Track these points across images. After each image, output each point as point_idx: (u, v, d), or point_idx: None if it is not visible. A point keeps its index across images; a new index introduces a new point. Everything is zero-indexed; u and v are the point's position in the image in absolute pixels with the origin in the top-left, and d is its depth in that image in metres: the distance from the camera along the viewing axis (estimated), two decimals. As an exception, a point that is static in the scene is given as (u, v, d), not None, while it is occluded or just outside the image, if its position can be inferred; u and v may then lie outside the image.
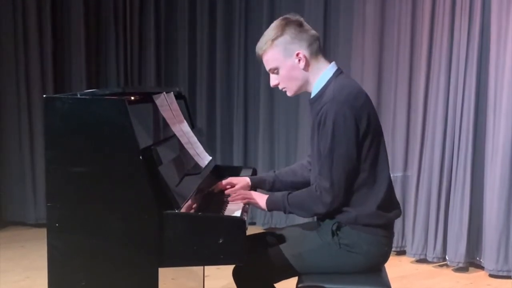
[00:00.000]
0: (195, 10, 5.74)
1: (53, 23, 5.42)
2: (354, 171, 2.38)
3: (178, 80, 5.81)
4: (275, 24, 2.48)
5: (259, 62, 2.56)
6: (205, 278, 3.55)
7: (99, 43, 5.67)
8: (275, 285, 2.63)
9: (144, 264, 2.13)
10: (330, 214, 2.46)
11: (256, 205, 2.60)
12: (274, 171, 2.88)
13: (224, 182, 2.77)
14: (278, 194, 2.56)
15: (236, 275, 2.56)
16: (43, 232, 2.21)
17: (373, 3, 4.85)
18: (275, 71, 2.50)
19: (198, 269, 3.39)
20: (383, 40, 4.87)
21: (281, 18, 2.50)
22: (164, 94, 2.50)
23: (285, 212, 2.51)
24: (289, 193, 2.50)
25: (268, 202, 2.54)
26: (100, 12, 5.64)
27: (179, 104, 2.71)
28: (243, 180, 2.79)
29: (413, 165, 4.72)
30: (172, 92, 2.65)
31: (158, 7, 5.77)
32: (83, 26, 5.48)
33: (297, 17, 2.49)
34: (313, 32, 2.49)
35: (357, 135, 2.34)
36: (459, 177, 4.49)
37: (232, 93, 5.73)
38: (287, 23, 2.45)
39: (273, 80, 2.53)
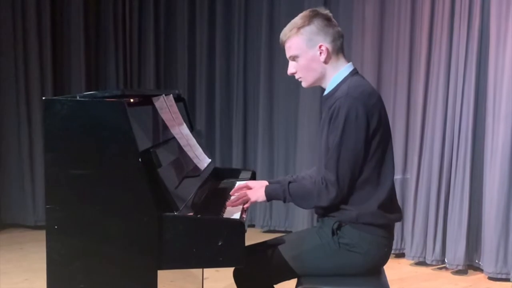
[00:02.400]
0: (194, 13, 5.75)
1: (53, 25, 5.42)
2: (360, 168, 2.39)
3: (178, 82, 5.81)
4: (303, 14, 2.50)
5: (281, 48, 2.56)
6: (204, 281, 3.55)
7: (99, 45, 5.68)
8: (275, 286, 2.63)
9: (143, 267, 2.13)
10: (330, 212, 2.47)
11: (257, 201, 2.58)
12: (292, 175, 2.87)
13: (242, 185, 2.76)
14: (277, 184, 2.57)
15: (236, 276, 2.57)
16: (42, 234, 2.21)
17: (372, 6, 4.85)
18: (295, 58, 2.51)
19: (197, 271, 3.39)
20: (382, 43, 4.88)
21: (310, 9, 2.52)
22: (163, 97, 2.50)
23: (284, 201, 2.49)
24: (290, 182, 2.50)
25: (267, 192, 2.53)
26: (99, 14, 5.65)
27: (178, 106, 2.71)
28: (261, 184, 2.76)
29: (412, 168, 4.72)
30: (171, 95, 2.65)
31: (157, 9, 5.77)
32: (83, 29, 5.48)
33: (327, 11, 2.51)
34: (339, 29, 2.51)
35: (367, 132, 2.36)
36: (458, 180, 4.49)
37: (231, 95, 5.73)
38: (315, 15, 2.47)
39: (291, 68, 2.53)
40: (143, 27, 5.76)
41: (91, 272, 2.17)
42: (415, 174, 4.67)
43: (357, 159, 2.36)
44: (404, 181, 4.80)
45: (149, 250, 2.10)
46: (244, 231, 2.13)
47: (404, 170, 4.81)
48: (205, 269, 3.45)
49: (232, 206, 2.54)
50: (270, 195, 2.53)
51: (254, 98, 5.65)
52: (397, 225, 4.67)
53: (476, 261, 4.54)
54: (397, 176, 4.75)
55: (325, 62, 2.48)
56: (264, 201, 2.57)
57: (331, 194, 2.37)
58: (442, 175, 4.57)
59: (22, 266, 4.42)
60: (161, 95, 2.50)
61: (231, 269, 2.54)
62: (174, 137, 2.57)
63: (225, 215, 2.45)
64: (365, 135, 2.35)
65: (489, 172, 4.35)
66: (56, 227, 2.15)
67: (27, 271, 4.28)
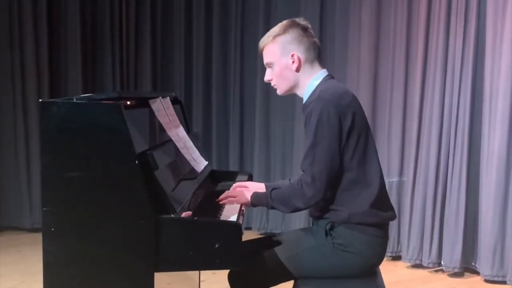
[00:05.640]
0: (191, 15, 5.76)
1: (49, 28, 5.42)
2: (337, 169, 2.41)
3: (174, 84, 5.82)
4: (281, 23, 2.57)
5: (260, 55, 2.63)
6: (200, 283, 3.55)
7: (95, 47, 5.68)
8: (271, 289, 2.64)
9: (140, 269, 2.13)
10: (322, 213, 2.49)
11: (242, 203, 2.61)
12: (289, 179, 2.89)
13: (241, 184, 2.79)
14: (263, 192, 2.60)
15: (231, 279, 2.57)
16: (38, 236, 2.21)
17: (368, 9, 4.86)
18: (270, 65, 2.58)
19: (193, 274, 3.39)
20: (378, 46, 4.89)
21: (289, 19, 2.58)
22: (160, 99, 2.51)
23: (268, 208, 2.54)
24: (273, 188, 2.54)
25: (252, 197, 2.57)
26: (96, 16, 5.65)
27: (175, 108, 2.71)
28: (258, 186, 2.78)
29: (408, 170, 4.73)
30: (168, 97, 2.65)
31: (154, 12, 5.78)
32: (79, 31, 5.49)
33: (305, 22, 2.57)
34: (315, 40, 2.56)
35: (340, 133, 2.39)
36: (454, 182, 4.50)
37: (228, 97, 5.74)
38: (292, 24, 2.54)
39: (268, 75, 2.61)
40: (140, 30, 5.77)
41: (87, 275, 2.17)
42: (412, 177, 4.68)
43: (332, 159, 2.39)
44: (400, 184, 4.81)
45: (146, 253, 2.10)
46: (241, 234, 2.13)
47: (401, 173, 4.81)
48: (202, 272, 3.45)
49: (219, 201, 2.60)
50: (255, 201, 2.57)
51: (250, 100, 5.65)
52: (394, 228, 4.69)
53: (473, 263, 4.55)
54: (394, 179, 4.76)
55: (297, 70, 2.53)
56: (249, 206, 2.61)
57: (307, 194, 2.40)
58: (438, 177, 4.58)
59: (19, 268, 4.41)
60: (158, 97, 2.51)
61: (227, 271, 2.54)
62: (171, 140, 2.57)
63: (222, 218, 2.46)
64: (339, 135, 2.39)
65: (485, 174, 4.36)
66: (52, 229, 2.15)
67: (24, 274, 4.27)
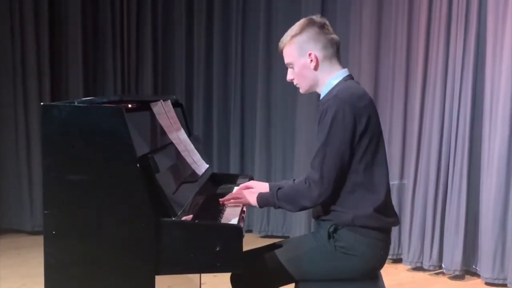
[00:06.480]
0: (192, 18, 5.77)
1: (51, 31, 5.43)
2: (345, 170, 2.41)
3: (175, 87, 5.82)
4: (299, 22, 2.57)
5: (279, 54, 2.64)
6: (201, 286, 3.55)
7: (97, 51, 5.69)
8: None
9: (141, 272, 2.13)
10: (326, 214, 2.49)
11: (248, 205, 2.62)
12: (294, 180, 2.89)
13: (243, 185, 2.79)
14: (269, 192, 2.60)
15: (234, 281, 2.57)
16: (39, 239, 2.21)
17: (369, 12, 4.86)
18: (291, 66, 2.58)
19: (194, 276, 3.39)
20: (379, 49, 4.89)
21: (306, 18, 2.59)
22: (161, 102, 2.51)
23: (274, 207, 2.54)
24: (279, 188, 2.54)
25: (258, 198, 2.57)
26: (97, 19, 5.66)
27: (176, 112, 2.72)
28: (262, 185, 2.81)
29: (409, 173, 4.73)
30: (169, 100, 2.66)
31: (155, 15, 5.79)
32: (81, 35, 5.50)
33: (322, 19, 2.57)
34: (333, 36, 2.56)
35: (354, 134, 2.39)
36: (455, 185, 4.50)
37: (229, 100, 5.74)
38: (309, 23, 2.54)
39: (289, 74, 2.61)
40: (141, 33, 5.78)
41: (88, 278, 2.17)
42: (412, 179, 4.68)
43: (342, 159, 2.39)
44: (401, 186, 4.81)
45: (147, 256, 2.11)
46: (242, 236, 2.14)
47: (401, 175, 4.81)
48: (202, 274, 3.45)
49: (222, 202, 2.63)
50: (261, 202, 2.57)
51: (251, 104, 5.66)
52: (394, 231, 4.67)
53: (473, 266, 4.55)
54: (394, 182, 4.76)
55: (315, 69, 2.53)
56: (255, 207, 2.61)
57: (314, 193, 2.40)
58: (439, 180, 4.57)
59: (19, 271, 4.41)
60: (159, 100, 2.51)
61: (229, 274, 2.54)
62: (172, 143, 2.58)
63: (223, 221, 2.46)
64: (351, 136, 2.38)
65: (486, 177, 4.36)
66: (53, 232, 2.15)
67: (25, 277, 4.27)
